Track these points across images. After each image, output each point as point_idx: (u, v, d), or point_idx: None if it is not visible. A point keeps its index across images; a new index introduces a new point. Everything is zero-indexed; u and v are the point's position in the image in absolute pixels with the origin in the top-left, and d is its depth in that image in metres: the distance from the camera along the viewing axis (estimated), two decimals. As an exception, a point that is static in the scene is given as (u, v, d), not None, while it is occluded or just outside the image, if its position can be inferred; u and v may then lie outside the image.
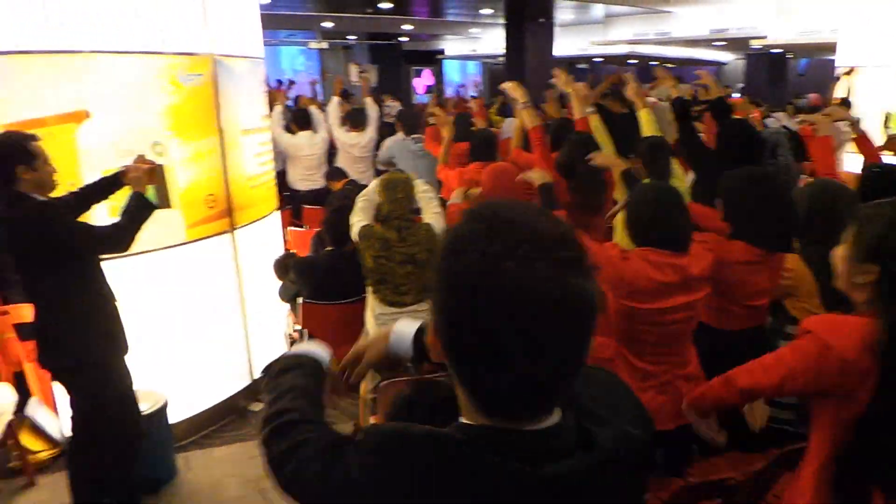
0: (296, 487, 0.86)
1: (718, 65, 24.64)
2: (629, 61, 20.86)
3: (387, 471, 0.77)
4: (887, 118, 6.40)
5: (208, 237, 3.37)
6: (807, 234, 2.25)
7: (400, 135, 5.51)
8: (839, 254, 1.47)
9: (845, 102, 5.87)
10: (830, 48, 7.70)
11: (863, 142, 3.37)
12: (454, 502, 0.74)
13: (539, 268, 0.69)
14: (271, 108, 4.99)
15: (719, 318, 2.29)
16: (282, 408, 0.95)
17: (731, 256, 2.19)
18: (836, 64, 6.81)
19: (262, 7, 3.94)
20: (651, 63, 23.25)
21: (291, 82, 13.65)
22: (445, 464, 0.75)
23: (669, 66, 24.20)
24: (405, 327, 1.14)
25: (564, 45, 15.49)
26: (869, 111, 6.26)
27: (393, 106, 9.04)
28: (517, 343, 0.70)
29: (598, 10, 13.62)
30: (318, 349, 1.13)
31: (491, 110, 8.52)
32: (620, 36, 15.08)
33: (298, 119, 6.03)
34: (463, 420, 0.80)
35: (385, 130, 6.33)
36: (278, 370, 1.07)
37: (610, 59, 20.86)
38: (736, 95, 16.85)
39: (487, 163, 3.77)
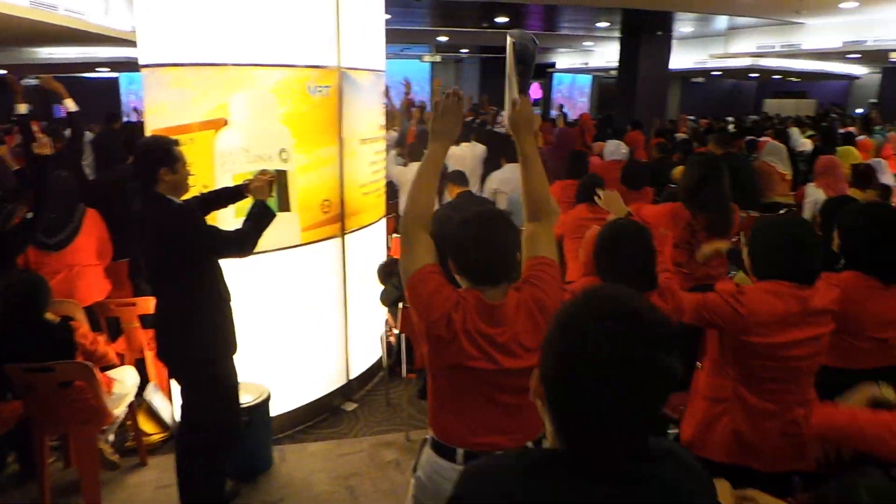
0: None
1: (850, 79, 22.88)
2: (750, 75, 19.83)
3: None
4: None
5: (321, 240, 3.52)
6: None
7: (507, 167, 5.02)
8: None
9: None
10: None
11: None
12: None
13: (634, 346, 0.86)
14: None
15: (847, 356, 2.17)
16: None
17: (850, 284, 2.11)
18: None
19: (386, 22, 4.09)
20: (774, 77, 21.97)
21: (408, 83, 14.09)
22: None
23: (794, 79, 22.75)
24: None
25: (681, 58, 14.97)
26: None
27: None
28: (604, 408, 0.86)
29: (721, 22, 13.05)
30: None
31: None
32: (743, 48, 14.36)
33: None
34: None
35: (495, 139, 6.07)
36: None
37: (729, 72, 19.91)
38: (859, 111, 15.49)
39: (596, 207, 3.74)
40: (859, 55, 14.83)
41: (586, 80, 24.50)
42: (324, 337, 3.70)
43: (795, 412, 2.00)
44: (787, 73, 19.13)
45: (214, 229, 2.71)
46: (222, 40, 3.06)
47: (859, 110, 15.74)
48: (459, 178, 4.20)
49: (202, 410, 2.70)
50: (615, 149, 6.07)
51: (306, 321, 3.57)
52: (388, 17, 9.38)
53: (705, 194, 3.15)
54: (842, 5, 9.74)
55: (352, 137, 3.63)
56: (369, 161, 3.88)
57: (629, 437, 0.89)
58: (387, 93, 5.22)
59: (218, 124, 3.10)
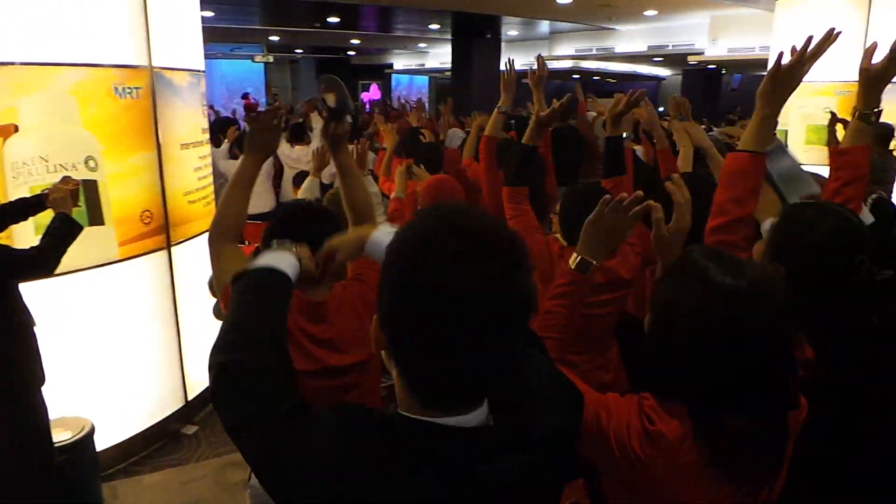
0: (241, 441, 0.87)
1: (658, 80, 25.43)
2: (573, 76, 21.35)
3: (347, 451, 0.79)
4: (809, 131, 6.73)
5: (143, 254, 3.28)
6: None
7: None
8: (756, 249, 1.51)
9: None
10: (762, 64, 8.05)
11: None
12: (401, 493, 0.77)
13: (486, 268, 0.74)
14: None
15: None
16: (239, 340, 0.97)
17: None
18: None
19: (206, 20, 3.87)
20: (594, 78, 23.84)
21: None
22: (396, 455, 0.79)
23: (611, 80, 24.85)
24: (384, 236, 1.18)
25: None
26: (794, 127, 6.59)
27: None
28: (461, 337, 0.75)
29: (544, 27, 13.91)
30: (288, 260, 1.17)
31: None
32: (564, 51, 15.42)
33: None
34: (402, 412, 0.83)
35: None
36: (247, 283, 1.09)
37: (554, 73, 21.27)
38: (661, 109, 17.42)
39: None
40: (662, 58, 16.53)
41: (424, 80, 25.01)
42: (154, 358, 3.44)
43: (594, 363, 2.10)
44: (604, 74, 20.85)
45: (6, 248, 2.40)
46: (8, 36, 2.71)
47: (661, 108, 17.62)
48: None
49: (5, 451, 2.41)
50: (454, 134, 6.34)
51: (132, 343, 3.30)
52: (211, 14, 8.95)
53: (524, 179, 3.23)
54: (646, 13, 10.76)
55: (171, 142, 3.40)
56: (194, 167, 3.65)
57: (482, 379, 0.79)
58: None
59: (6, 131, 2.74)
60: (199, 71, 3.72)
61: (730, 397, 1.00)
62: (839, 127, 3.66)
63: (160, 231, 3.37)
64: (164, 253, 3.42)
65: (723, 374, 1.00)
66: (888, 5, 6.22)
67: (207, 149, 3.92)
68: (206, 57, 4.01)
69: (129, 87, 3.10)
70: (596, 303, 2.03)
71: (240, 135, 5.60)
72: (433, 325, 0.75)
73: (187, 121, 3.58)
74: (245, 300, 1.05)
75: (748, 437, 1.01)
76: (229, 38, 15.06)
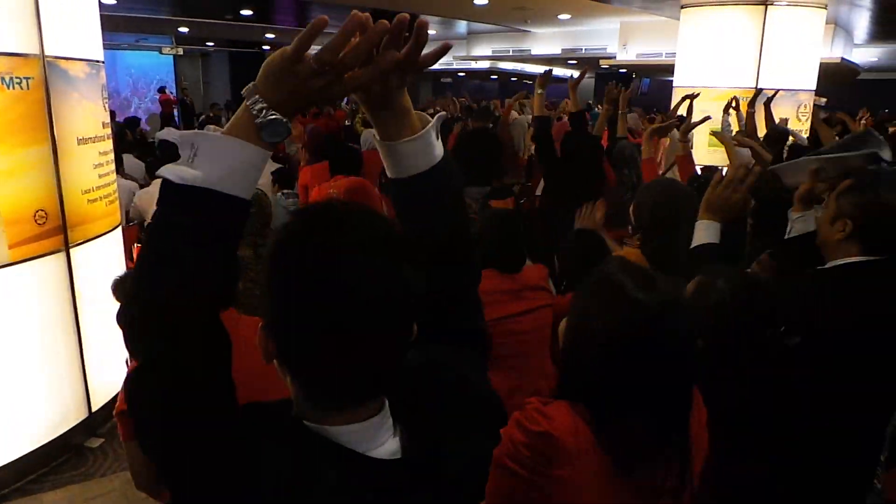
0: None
1: (573, 82, 26.16)
2: (492, 76, 21.67)
3: (253, 457, 0.74)
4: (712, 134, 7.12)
5: (37, 257, 3.06)
6: (650, 230, 2.39)
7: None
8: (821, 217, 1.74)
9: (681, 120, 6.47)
10: (669, 69, 8.44)
11: (685, 161, 3.58)
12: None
13: (376, 262, 0.74)
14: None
15: None
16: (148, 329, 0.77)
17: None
18: (674, 84, 7.45)
19: (107, 8, 3.67)
20: (512, 79, 24.30)
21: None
22: (302, 477, 0.74)
23: (528, 81, 25.39)
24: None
25: (429, 59, 15.77)
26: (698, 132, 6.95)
27: None
28: (351, 332, 0.73)
29: (461, 27, 14.04)
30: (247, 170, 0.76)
31: (356, 120, 8.42)
32: (482, 52, 15.63)
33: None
34: (305, 422, 0.79)
35: None
36: (162, 220, 0.76)
37: (473, 73, 21.54)
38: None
39: (349, 177, 3.75)
40: (576, 61, 17.03)
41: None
42: (52, 368, 3.22)
43: (538, 384, 2.17)
44: (521, 75, 21.26)
45: None
46: None
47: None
48: None
49: None
50: (369, 137, 6.30)
51: (26, 352, 3.08)
52: (114, 2, 8.47)
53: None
54: (560, 17, 11.05)
55: (67, 137, 3.18)
56: (93, 163, 3.43)
57: (377, 376, 0.78)
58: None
59: None
60: (97, 61, 3.50)
61: (635, 403, 1.04)
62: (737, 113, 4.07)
63: (56, 232, 3.15)
64: (61, 255, 3.20)
65: (630, 381, 1.04)
66: (781, 16, 6.66)
67: (109, 144, 3.70)
68: (108, 47, 3.79)
69: (19, 77, 2.87)
70: (512, 315, 2.09)
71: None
72: (322, 321, 0.73)
73: (86, 114, 3.36)
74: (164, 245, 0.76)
75: (650, 438, 1.05)
76: (134, 28, 14.34)
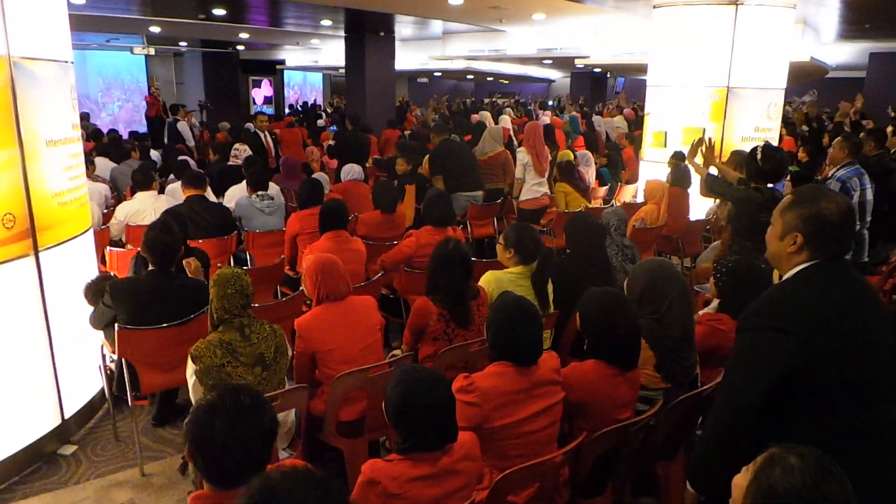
0: None
1: (548, 81, 26.38)
2: (468, 76, 21.70)
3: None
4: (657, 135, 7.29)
5: (6, 261, 2.99)
6: (642, 309, 2.55)
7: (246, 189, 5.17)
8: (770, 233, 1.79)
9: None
10: (642, 69, 8.51)
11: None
12: None
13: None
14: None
15: None
16: None
17: (587, 377, 2.28)
18: (647, 83, 7.51)
19: (75, 7, 3.59)
20: (488, 78, 24.36)
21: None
22: None
23: (504, 81, 25.48)
24: None
25: (406, 58, 15.76)
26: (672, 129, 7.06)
27: (241, 149, 7.12)
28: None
29: (437, 27, 14.01)
30: None
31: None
32: (457, 52, 15.62)
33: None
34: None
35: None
36: None
37: (449, 73, 21.53)
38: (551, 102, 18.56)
39: (339, 233, 3.94)
40: (551, 61, 17.13)
41: (318, 77, 24.54)
42: (21, 375, 3.15)
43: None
44: (497, 75, 21.34)
45: None
46: None
47: (551, 102, 18.61)
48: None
49: None
50: (350, 169, 6.08)
51: (-5, 359, 3.00)
52: (82, 2, 8.30)
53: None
54: (534, 16, 11.08)
55: (35, 139, 3.12)
56: (63, 166, 3.36)
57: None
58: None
59: None
60: (66, 62, 3.43)
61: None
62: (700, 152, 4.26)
63: (25, 236, 3.08)
64: (30, 259, 3.13)
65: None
66: (751, 16, 6.75)
67: (79, 146, 3.63)
68: (76, 47, 3.71)
69: (-17, 78, 2.81)
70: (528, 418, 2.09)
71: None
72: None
73: (54, 116, 3.29)
74: None
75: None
76: (105, 28, 14.07)
